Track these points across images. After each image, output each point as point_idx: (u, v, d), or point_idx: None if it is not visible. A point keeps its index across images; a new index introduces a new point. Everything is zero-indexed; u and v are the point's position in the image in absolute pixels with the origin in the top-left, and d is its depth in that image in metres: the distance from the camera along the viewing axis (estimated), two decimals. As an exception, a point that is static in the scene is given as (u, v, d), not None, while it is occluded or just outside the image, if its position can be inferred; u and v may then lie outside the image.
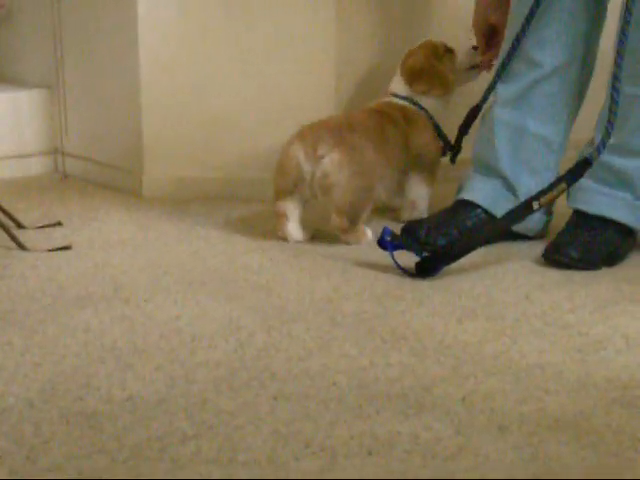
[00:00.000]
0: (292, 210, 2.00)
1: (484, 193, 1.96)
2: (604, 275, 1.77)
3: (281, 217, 2.01)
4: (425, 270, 1.75)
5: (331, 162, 1.93)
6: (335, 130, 1.98)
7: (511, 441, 1.16)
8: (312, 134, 1.97)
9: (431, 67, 2.13)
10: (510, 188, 1.95)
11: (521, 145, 1.94)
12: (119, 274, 1.80)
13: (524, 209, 1.77)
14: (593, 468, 1.09)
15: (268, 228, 2.09)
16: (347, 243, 1.99)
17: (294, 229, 2.01)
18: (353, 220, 1.97)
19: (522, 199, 1.88)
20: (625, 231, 1.85)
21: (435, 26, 2.41)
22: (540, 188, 1.83)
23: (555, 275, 1.77)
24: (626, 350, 1.43)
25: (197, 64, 2.35)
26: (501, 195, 1.96)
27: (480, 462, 1.11)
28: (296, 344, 1.47)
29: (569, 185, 1.77)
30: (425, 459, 1.12)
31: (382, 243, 1.77)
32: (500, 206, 1.91)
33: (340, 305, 1.63)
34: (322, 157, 1.93)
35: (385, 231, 1.77)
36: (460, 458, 1.12)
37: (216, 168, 2.38)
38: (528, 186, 1.92)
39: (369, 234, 2.00)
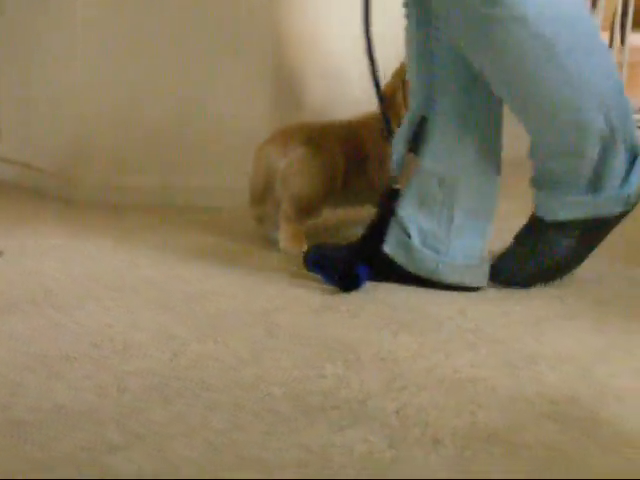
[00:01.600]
0: (266, 215, 2.05)
1: (388, 239, 1.83)
2: (538, 292, 1.78)
3: (256, 222, 2.08)
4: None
5: (296, 154, 1.98)
6: (307, 131, 2.03)
7: (444, 455, 1.16)
8: (283, 135, 2.02)
9: (393, 100, 2.07)
10: (404, 228, 1.81)
11: (416, 184, 1.82)
12: (50, 281, 1.77)
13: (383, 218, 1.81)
14: (524, 482, 1.10)
15: (203, 237, 2.08)
16: (284, 248, 2.00)
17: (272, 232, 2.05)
18: (300, 213, 1.99)
19: (414, 238, 1.80)
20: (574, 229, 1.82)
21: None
22: (429, 224, 1.80)
23: (490, 291, 1.78)
24: (558, 366, 1.44)
25: (135, 71, 2.33)
26: (399, 239, 1.82)
27: (414, 475, 1.11)
28: (230, 354, 1.45)
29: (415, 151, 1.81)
30: (359, 472, 1.11)
31: (306, 262, 1.80)
32: (397, 251, 1.83)
33: (275, 317, 1.62)
34: (290, 152, 1.99)
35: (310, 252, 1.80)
36: (394, 471, 1.12)
37: (153, 175, 2.36)
38: (418, 223, 1.81)
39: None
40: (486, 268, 1.82)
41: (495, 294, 1.77)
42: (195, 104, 2.34)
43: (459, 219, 1.81)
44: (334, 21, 2.39)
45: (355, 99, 2.34)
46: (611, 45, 5.18)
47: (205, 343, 1.49)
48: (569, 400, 1.32)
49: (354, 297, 1.73)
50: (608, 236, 1.83)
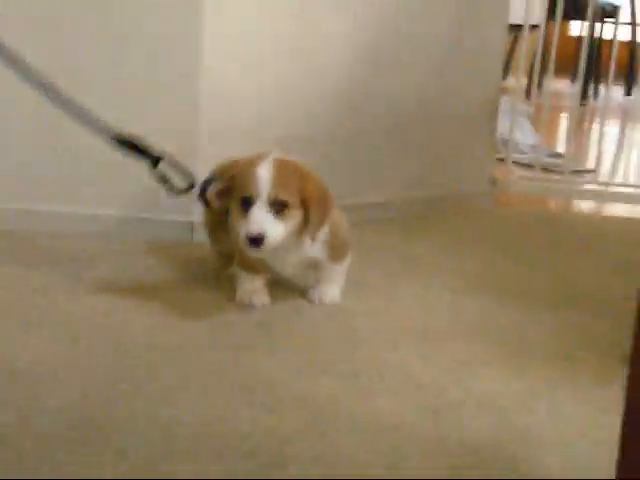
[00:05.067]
0: None
1: None
2: (460, 334, 1.76)
3: None
4: None
5: None
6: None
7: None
8: None
9: None
10: None
11: None
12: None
13: None
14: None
15: (117, 267, 2.01)
16: None
17: None
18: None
19: None
20: None
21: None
22: None
23: (411, 332, 1.76)
24: (479, 412, 1.41)
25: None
26: None
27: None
28: (142, 395, 1.39)
29: None
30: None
31: None
32: None
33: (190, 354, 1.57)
34: None
35: None
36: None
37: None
38: None
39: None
40: None
41: (415, 335, 1.74)
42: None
43: None
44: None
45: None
46: (530, 89, 5.29)
47: (117, 384, 1.43)
48: (491, 448, 1.29)
49: (271, 336, 1.68)
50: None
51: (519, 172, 3.25)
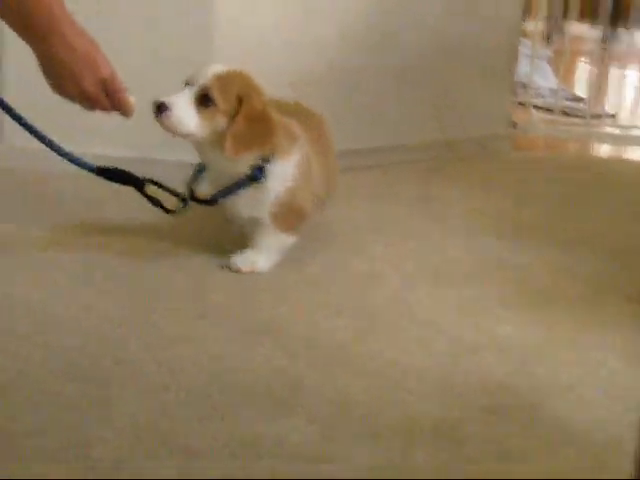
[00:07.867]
0: None
1: None
2: (475, 277, 1.74)
3: None
4: None
5: None
6: None
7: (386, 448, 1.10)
8: None
9: None
10: None
11: None
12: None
13: None
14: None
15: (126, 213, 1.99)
16: None
17: None
18: None
19: None
20: None
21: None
22: None
23: (424, 274, 1.73)
24: (498, 355, 1.39)
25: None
26: None
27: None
28: (157, 334, 1.38)
29: None
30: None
31: None
32: None
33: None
34: None
35: None
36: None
37: None
38: None
39: None
40: None
41: (431, 276, 1.72)
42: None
43: None
44: None
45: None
46: (550, 32, 5.19)
47: (133, 322, 1.42)
48: (509, 393, 1.28)
49: (285, 277, 1.66)
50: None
51: (539, 115, 3.21)
